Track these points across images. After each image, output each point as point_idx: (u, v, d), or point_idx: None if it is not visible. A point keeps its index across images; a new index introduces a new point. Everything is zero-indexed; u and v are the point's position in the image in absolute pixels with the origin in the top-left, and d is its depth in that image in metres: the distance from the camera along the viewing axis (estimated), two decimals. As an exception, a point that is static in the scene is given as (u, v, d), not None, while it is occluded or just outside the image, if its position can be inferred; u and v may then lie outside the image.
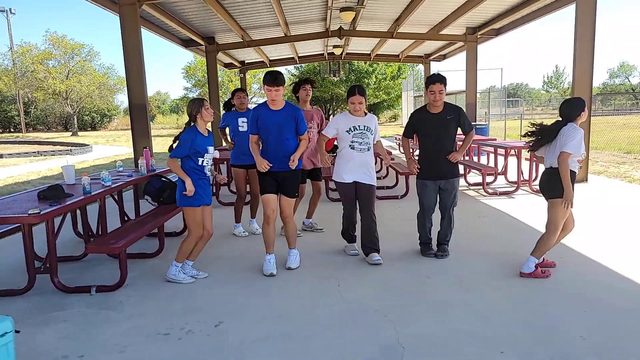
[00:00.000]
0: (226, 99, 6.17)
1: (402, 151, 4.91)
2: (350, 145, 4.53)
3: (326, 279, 4.21)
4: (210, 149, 4.19)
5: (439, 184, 4.58)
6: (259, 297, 3.86)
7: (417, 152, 5.00)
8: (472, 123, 5.13)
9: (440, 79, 4.37)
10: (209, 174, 4.24)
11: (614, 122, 25.54)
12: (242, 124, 5.74)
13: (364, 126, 4.54)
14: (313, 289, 3.99)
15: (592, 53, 8.49)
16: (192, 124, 4.16)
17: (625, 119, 29.32)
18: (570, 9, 9.06)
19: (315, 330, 3.24)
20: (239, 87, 20.47)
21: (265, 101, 4.29)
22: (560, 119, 3.95)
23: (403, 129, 4.99)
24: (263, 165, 4.19)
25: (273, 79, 4.08)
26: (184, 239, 4.24)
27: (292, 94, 5.72)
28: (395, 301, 3.67)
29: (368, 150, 4.57)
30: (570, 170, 3.80)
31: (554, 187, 3.86)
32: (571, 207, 3.84)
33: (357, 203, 4.70)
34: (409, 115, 4.79)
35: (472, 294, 3.76)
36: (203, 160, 4.14)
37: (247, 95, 6.04)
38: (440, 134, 4.49)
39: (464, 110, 4.65)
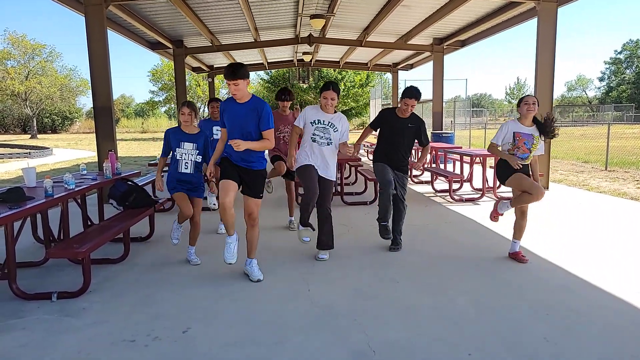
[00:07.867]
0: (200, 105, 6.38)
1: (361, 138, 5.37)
2: (312, 138, 4.71)
3: (296, 283, 4.19)
4: (186, 144, 4.64)
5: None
6: (227, 301, 3.80)
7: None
8: (439, 131, 5.56)
9: (416, 96, 4.79)
10: (185, 169, 4.64)
11: (572, 132, 26.50)
12: (217, 132, 5.95)
13: (329, 122, 4.71)
14: (282, 293, 3.96)
15: (553, 66, 8.79)
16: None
17: (582, 130, 30.51)
18: (532, 23, 9.40)
19: (284, 335, 3.21)
20: (207, 91, 20.28)
21: None
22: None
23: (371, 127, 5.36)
24: (208, 171, 4.33)
25: (231, 73, 3.88)
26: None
27: (275, 100, 6.11)
28: (365, 306, 3.68)
29: (328, 145, 4.71)
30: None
31: (500, 174, 4.60)
32: (515, 167, 4.36)
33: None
34: (381, 110, 5.18)
35: (440, 298, 3.81)
36: (176, 154, 4.64)
37: None
38: (399, 136, 4.95)
39: (425, 125, 5.10)
